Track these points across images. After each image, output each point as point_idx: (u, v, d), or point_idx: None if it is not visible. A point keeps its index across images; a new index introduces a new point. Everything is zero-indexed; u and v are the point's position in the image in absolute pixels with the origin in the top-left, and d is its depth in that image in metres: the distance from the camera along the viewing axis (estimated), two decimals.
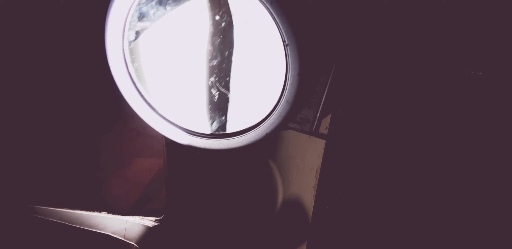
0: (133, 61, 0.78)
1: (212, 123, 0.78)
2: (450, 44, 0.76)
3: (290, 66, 0.63)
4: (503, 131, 0.74)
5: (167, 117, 0.79)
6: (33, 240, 1.03)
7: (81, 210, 0.99)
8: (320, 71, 0.76)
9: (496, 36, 0.73)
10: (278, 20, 0.61)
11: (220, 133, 0.76)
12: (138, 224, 0.99)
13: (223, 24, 0.72)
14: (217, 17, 0.72)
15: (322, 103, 0.77)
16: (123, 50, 0.77)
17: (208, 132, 0.77)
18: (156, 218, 0.98)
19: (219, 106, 0.77)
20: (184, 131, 0.78)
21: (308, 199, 0.98)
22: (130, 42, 0.77)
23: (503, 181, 0.74)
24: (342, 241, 0.85)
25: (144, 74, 0.80)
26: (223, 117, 0.77)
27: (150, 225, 0.98)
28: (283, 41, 0.62)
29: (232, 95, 0.76)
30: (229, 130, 0.76)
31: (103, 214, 0.99)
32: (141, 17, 0.75)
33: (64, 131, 1.05)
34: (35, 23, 0.98)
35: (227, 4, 0.71)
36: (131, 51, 0.78)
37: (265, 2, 0.60)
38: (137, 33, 0.77)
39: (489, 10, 0.73)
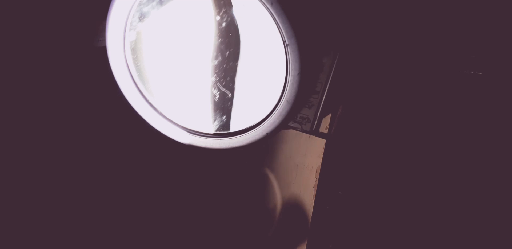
0: (134, 61, 0.79)
1: (213, 123, 0.78)
2: (450, 44, 0.76)
3: (290, 66, 0.63)
4: (503, 131, 0.74)
5: (168, 117, 0.80)
6: None
7: None
8: (321, 71, 0.77)
9: (496, 36, 0.73)
10: (278, 20, 0.61)
11: (221, 132, 0.76)
12: None
13: (223, 24, 0.73)
14: (218, 18, 0.73)
15: (322, 102, 0.77)
16: (124, 50, 0.78)
17: (209, 131, 0.77)
18: None
19: (220, 106, 0.77)
20: (185, 130, 0.78)
21: (308, 199, 0.98)
22: (131, 42, 0.78)
23: (503, 181, 0.74)
24: (342, 241, 0.85)
25: (146, 74, 0.80)
26: (224, 117, 0.77)
27: None
28: (284, 41, 0.62)
29: (233, 95, 0.76)
30: (230, 129, 0.76)
31: None
32: (142, 17, 0.76)
33: (65, 130, 1.05)
34: (35, 24, 0.99)
35: (227, 5, 0.72)
36: (133, 51, 0.78)
37: (265, 3, 0.60)
38: (138, 34, 0.78)
39: (489, 10, 0.73)
